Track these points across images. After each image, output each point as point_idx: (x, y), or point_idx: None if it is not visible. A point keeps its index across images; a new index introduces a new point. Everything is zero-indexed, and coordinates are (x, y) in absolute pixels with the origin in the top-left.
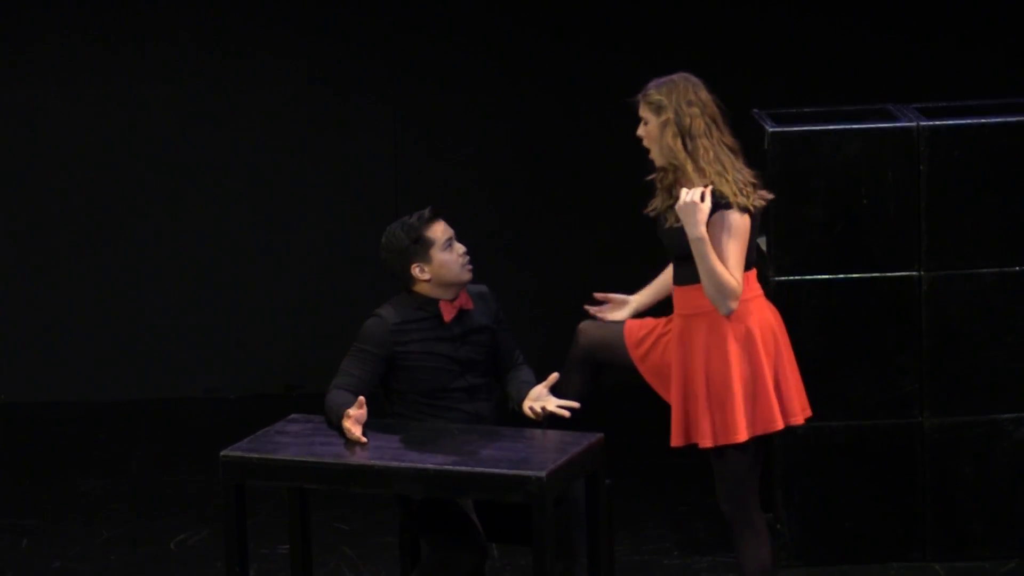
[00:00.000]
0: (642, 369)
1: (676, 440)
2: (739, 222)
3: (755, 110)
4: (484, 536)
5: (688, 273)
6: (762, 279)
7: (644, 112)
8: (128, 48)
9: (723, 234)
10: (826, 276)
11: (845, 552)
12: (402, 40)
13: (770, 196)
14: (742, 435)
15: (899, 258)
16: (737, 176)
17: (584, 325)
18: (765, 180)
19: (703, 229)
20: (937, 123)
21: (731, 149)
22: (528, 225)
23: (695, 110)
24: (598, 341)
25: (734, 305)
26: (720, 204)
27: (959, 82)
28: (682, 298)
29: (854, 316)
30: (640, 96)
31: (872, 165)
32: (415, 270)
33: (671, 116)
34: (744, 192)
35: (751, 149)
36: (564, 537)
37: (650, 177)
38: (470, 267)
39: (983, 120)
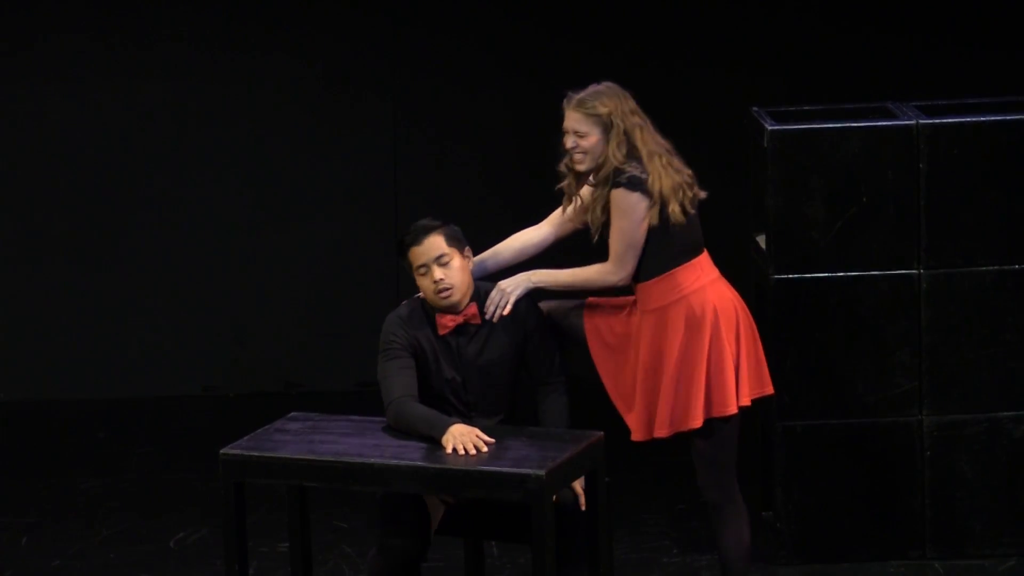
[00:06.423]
0: (588, 326)
1: (638, 435)
2: (629, 200)
3: (754, 108)
4: (429, 527)
5: (645, 270)
6: (762, 278)
7: (581, 124)
8: (128, 47)
9: (615, 212)
10: (826, 274)
11: (844, 550)
12: (402, 38)
13: (703, 194)
14: (698, 420)
15: (899, 256)
16: (675, 176)
17: (544, 304)
18: (764, 178)
19: (525, 279)
20: (937, 121)
21: (667, 151)
22: (527, 223)
23: (636, 118)
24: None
25: (616, 278)
26: (615, 183)
27: (959, 80)
28: (642, 294)
29: (854, 314)
30: (572, 108)
31: (871, 163)
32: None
33: (616, 124)
34: (682, 191)
35: (750, 147)
36: (563, 536)
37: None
38: (446, 294)
39: (982, 118)
